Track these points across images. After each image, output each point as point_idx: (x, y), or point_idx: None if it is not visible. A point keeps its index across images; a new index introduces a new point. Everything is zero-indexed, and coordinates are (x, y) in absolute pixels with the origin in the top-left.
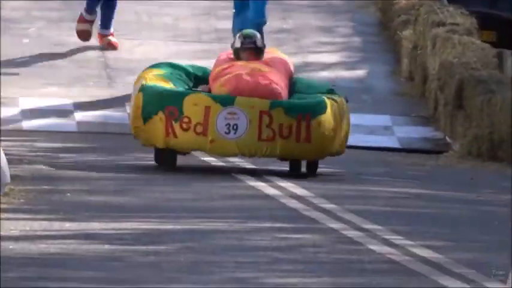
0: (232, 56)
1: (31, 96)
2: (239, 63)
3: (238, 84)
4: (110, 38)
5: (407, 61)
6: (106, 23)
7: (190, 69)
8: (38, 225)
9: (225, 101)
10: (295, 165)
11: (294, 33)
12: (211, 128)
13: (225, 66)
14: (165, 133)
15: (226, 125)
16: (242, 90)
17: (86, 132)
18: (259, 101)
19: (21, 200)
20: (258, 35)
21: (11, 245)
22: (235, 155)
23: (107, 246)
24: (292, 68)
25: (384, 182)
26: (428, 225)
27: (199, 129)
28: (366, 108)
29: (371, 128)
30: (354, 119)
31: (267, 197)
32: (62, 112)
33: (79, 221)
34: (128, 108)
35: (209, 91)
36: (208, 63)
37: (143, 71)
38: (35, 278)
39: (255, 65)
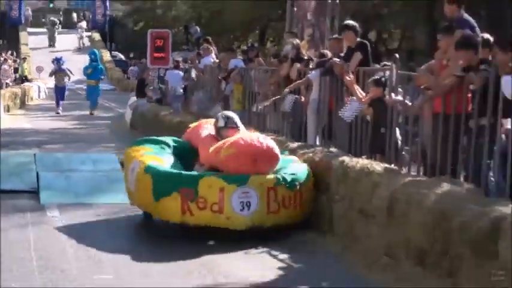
0: (213, 133)
1: None
2: (227, 138)
3: (244, 146)
4: None
5: None
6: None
7: (170, 142)
8: None
9: (239, 181)
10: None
11: None
12: (226, 207)
13: (219, 144)
14: (181, 211)
15: (240, 203)
16: (247, 150)
17: None
18: (267, 179)
19: None
20: (236, 116)
21: None
22: (248, 228)
23: None
24: None
25: None
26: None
27: (215, 207)
28: None
29: None
30: None
31: None
32: None
33: None
34: (128, 183)
35: (209, 169)
36: None
37: (129, 149)
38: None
39: (239, 135)
